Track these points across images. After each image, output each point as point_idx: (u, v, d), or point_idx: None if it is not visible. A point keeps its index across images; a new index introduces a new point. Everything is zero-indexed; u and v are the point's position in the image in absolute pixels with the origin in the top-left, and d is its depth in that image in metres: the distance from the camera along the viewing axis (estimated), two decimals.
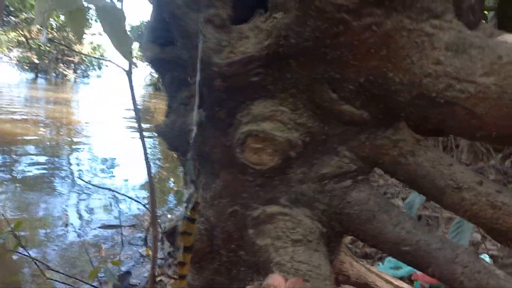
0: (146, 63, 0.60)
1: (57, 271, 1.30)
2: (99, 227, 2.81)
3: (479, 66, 0.43)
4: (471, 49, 0.44)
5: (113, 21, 0.58)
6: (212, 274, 0.64)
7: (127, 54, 0.62)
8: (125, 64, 0.65)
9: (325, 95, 0.51)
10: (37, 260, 1.23)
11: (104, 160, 4.72)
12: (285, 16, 0.46)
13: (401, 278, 1.72)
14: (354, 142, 0.54)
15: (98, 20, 0.57)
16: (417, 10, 0.45)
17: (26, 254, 1.12)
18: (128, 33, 0.62)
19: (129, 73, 0.62)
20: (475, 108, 0.43)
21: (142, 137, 0.62)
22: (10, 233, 1.00)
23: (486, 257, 1.63)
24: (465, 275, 0.50)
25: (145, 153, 0.63)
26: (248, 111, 0.53)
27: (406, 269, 1.63)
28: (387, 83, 0.48)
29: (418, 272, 1.66)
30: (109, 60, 0.64)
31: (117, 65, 0.62)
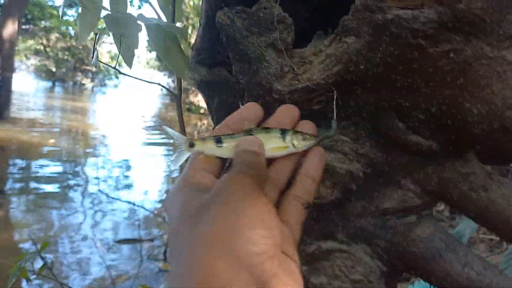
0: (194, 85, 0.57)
1: None
2: (117, 242, 2.80)
3: None
4: None
5: (166, 40, 0.55)
6: None
7: (184, 73, 0.59)
8: (173, 86, 0.63)
9: (390, 124, 0.48)
10: (66, 285, 1.20)
11: (122, 172, 4.73)
12: (357, 41, 0.42)
13: None
14: (420, 175, 0.50)
15: (150, 40, 0.54)
16: (499, 37, 0.42)
17: (54, 278, 1.10)
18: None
19: (179, 96, 0.59)
20: None
21: None
22: (36, 254, 0.98)
23: None
24: None
25: None
26: None
27: None
28: (462, 114, 0.44)
29: None
30: (159, 84, 0.61)
31: (167, 89, 0.59)
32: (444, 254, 0.50)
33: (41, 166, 4.58)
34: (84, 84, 16.37)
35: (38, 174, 4.23)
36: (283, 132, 0.43)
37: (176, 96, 0.59)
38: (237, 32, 0.46)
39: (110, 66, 0.62)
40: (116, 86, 18.19)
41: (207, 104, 0.61)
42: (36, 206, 3.33)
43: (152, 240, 2.88)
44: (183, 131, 0.61)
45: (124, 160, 5.19)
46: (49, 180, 4.07)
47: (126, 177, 4.53)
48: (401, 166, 0.50)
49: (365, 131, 0.49)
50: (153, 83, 0.61)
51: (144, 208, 3.16)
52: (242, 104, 0.53)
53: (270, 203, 0.37)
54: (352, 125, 0.49)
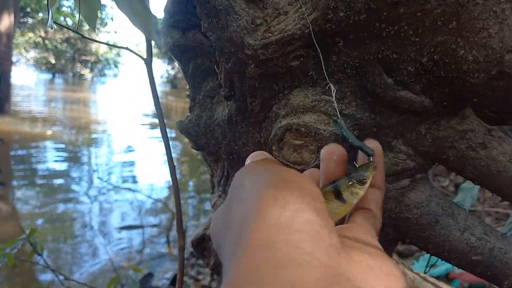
0: (167, 51, 0.52)
1: (73, 280, 1.25)
2: (120, 228, 2.79)
3: None
4: None
5: None
6: None
7: (151, 33, 0.54)
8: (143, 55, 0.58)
9: (378, 80, 0.43)
10: (53, 269, 1.18)
11: (124, 160, 4.71)
12: None
13: (438, 277, 1.63)
14: (412, 135, 0.46)
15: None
16: None
17: (43, 263, 1.07)
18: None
19: (148, 63, 0.54)
20: None
21: (165, 135, 0.55)
22: (26, 240, 0.95)
23: None
24: None
25: (169, 153, 0.56)
26: (286, 102, 0.46)
27: (443, 267, 1.54)
28: (456, 62, 0.40)
29: (457, 270, 1.56)
30: (126, 48, 0.57)
31: (135, 53, 0.55)
32: (441, 220, 0.46)
33: (44, 157, 4.57)
34: (83, 74, 16.30)
35: (40, 165, 4.23)
36: (336, 190, 0.36)
37: (145, 61, 0.54)
38: None
39: (69, 28, 0.58)
40: (116, 75, 18.09)
41: (182, 70, 0.57)
42: (39, 197, 3.32)
43: (155, 226, 2.87)
44: (157, 102, 0.57)
45: (127, 148, 5.17)
46: (52, 171, 4.06)
47: (130, 165, 4.51)
48: (391, 126, 0.46)
49: (350, 90, 0.45)
50: (120, 47, 0.57)
51: (146, 195, 3.15)
52: (217, 67, 0.49)
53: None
54: (336, 83, 0.45)
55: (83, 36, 0.55)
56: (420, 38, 0.40)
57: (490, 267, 0.45)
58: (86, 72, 16.42)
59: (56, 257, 2.30)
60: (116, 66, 17.80)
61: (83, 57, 15.90)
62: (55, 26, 0.51)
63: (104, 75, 17.32)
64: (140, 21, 0.52)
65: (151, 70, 0.56)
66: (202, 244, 0.57)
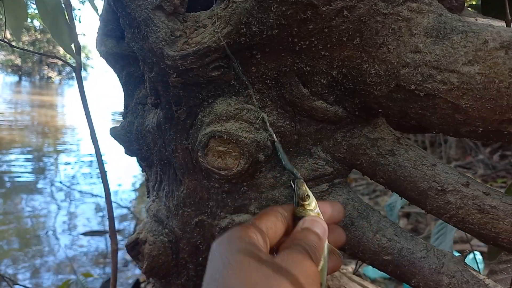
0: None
1: (24, 286, 1.23)
2: (83, 234, 2.74)
3: (462, 54, 0.38)
4: (452, 34, 0.39)
5: (53, 7, 0.51)
6: None
7: (70, 48, 0.55)
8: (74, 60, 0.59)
9: (295, 90, 0.46)
10: (4, 276, 1.16)
11: (90, 164, 4.63)
12: (245, 0, 0.40)
13: (391, 278, 1.68)
14: (329, 142, 0.49)
15: (37, 9, 0.50)
16: None
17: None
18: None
19: (77, 70, 0.55)
20: (458, 100, 0.39)
21: (96, 144, 0.56)
22: None
23: (477, 254, 1.59)
24: (452, 286, 0.45)
25: (101, 164, 0.57)
26: (210, 110, 0.48)
27: None
28: (362, 76, 0.43)
29: None
30: (55, 57, 0.57)
31: (63, 60, 0.55)
32: (356, 222, 0.49)
33: (9, 161, 4.44)
34: (51, 77, 15.91)
35: (7, 169, 4.10)
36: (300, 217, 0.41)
37: (74, 69, 0.55)
38: None
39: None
40: (84, 78, 17.72)
41: (118, 78, 0.58)
42: (2, 202, 3.22)
43: (118, 231, 2.83)
44: (86, 108, 0.58)
45: (92, 152, 5.07)
46: (17, 175, 3.95)
47: (95, 169, 4.43)
48: (310, 134, 0.49)
49: (271, 99, 0.48)
50: (45, 55, 0.57)
51: (115, 202, 3.10)
52: (148, 78, 0.50)
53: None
54: (257, 93, 0.47)
55: (10, 45, 0.55)
56: (329, 53, 0.43)
57: (399, 266, 0.48)
58: (54, 75, 16.03)
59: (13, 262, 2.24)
60: (84, 69, 17.46)
61: (51, 60, 15.52)
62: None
63: (73, 78, 16.96)
64: (60, 35, 0.52)
65: (81, 78, 0.57)
66: (136, 248, 0.58)
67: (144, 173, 0.61)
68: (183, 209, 0.54)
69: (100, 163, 0.58)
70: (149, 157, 0.56)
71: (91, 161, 4.80)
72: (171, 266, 0.57)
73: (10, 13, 0.51)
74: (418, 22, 0.40)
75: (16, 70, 15.71)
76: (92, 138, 0.57)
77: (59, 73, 16.28)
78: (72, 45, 0.55)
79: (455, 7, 0.50)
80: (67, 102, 10.89)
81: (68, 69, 16.21)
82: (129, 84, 0.56)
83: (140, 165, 0.59)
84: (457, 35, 0.39)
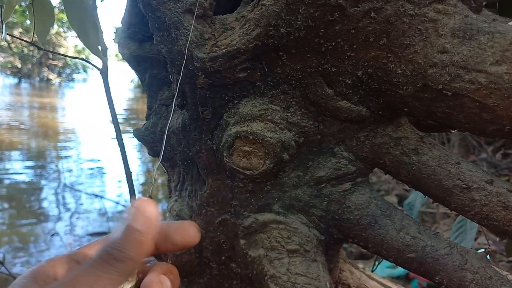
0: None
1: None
2: (88, 235, 2.75)
3: (490, 54, 0.39)
4: (479, 35, 0.40)
5: (80, 10, 0.52)
6: None
7: (97, 50, 0.56)
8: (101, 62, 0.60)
9: (319, 91, 0.47)
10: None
11: (92, 166, 4.63)
12: (275, 3, 0.41)
13: (398, 277, 1.69)
14: (352, 142, 0.50)
15: (65, 12, 0.51)
16: None
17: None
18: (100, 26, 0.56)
19: (104, 72, 0.56)
20: (486, 100, 0.39)
21: (122, 146, 0.57)
22: None
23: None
24: (476, 282, 0.46)
25: (126, 164, 0.58)
26: (235, 111, 0.48)
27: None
28: (388, 76, 0.44)
29: None
30: (82, 59, 0.58)
31: (91, 63, 0.56)
32: (379, 220, 0.50)
33: (11, 165, 4.44)
34: (51, 79, 15.91)
35: (8, 172, 4.11)
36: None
37: (100, 71, 0.56)
38: None
39: (25, 40, 0.58)
40: (85, 80, 17.72)
41: (140, 80, 0.59)
42: (4, 205, 3.23)
43: None
44: (112, 109, 0.59)
45: (95, 155, 5.08)
46: (20, 178, 3.96)
47: (97, 171, 4.43)
48: (334, 133, 0.50)
49: (295, 100, 0.48)
50: (73, 57, 0.58)
51: (114, 201, 3.11)
52: (171, 77, 0.51)
53: None
54: (281, 93, 0.48)
55: (39, 48, 0.56)
56: (355, 53, 0.44)
57: (423, 263, 0.48)
58: (54, 77, 16.03)
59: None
60: (85, 71, 17.45)
61: (50, 62, 15.52)
62: (8, 39, 0.52)
63: (73, 79, 16.95)
64: (88, 38, 0.53)
65: (107, 80, 0.58)
66: None
67: (167, 173, 0.61)
68: (207, 208, 0.55)
69: (126, 166, 0.59)
70: (172, 157, 0.56)
71: (92, 160, 4.81)
72: (194, 265, 0.57)
73: (38, 17, 0.52)
74: (444, 23, 0.41)
75: (16, 72, 15.71)
76: (117, 140, 0.58)
77: (59, 75, 16.28)
78: (99, 47, 0.56)
79: (474, 8, 0.51)
80: (67, 104, 10.89)
81: (68, 70, 16.21)
82: (153, 86, 0.56)
83: (163, 166, 0.60)
84: (484, 36, 0.39)
